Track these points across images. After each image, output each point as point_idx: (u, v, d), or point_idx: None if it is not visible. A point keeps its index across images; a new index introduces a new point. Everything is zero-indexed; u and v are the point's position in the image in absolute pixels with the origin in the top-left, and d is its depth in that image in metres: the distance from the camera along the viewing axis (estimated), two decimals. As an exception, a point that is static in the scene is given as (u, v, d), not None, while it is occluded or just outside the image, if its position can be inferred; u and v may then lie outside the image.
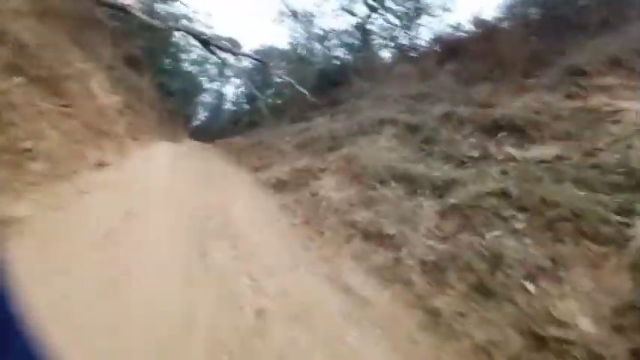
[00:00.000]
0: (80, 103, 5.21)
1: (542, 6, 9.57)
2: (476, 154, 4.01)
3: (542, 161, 3.48)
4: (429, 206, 3.09)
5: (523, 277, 2.11)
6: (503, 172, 3.36)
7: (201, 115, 21.01)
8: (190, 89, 17.00)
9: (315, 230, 3.62)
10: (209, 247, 2.86)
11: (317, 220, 3.85)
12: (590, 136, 3.91)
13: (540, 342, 1.82)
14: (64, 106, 5.02)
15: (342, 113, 8.20)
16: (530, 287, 2.05)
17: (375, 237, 2.96)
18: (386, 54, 12.50)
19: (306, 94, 10.97)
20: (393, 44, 12.31)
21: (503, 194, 2.79)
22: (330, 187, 4.56)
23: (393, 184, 3.84)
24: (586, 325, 1.86)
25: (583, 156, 3.47)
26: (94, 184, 3.63)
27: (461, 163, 3.89)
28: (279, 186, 5.60)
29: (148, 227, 2.89)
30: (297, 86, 11.52)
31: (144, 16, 11.26)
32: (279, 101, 13.53)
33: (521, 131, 4.24)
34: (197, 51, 15.34)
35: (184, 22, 13.44)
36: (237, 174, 6.77)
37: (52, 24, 6.89)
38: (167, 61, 14.10)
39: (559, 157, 3.45)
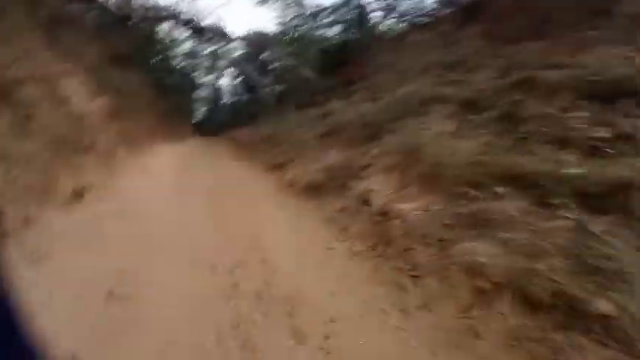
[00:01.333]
0: (45, 113, 3.68)
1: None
2: (606, 133, 2.60)
3: None
4: (617, 239, 1.70)
5: None
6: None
7: (200, 110, 19.15)
8: (185, 85, 15.18)
9: (399, 269, 2.25)
10: (257, 338, 1.50)
11: (394, 248, 2.48)
12: None
13: None
14: (27, 117, 3.50)
15: (361, 93, 6.66)
16: None
17: (539, 304, 1.60)
18: (388, 26, 10.75)
19: (312, 77, 9.35)
20: (394, 14, 10.53)
21: None
22: (390, 192, 3.16)
23: (499, 188, 2.45)
24: None
25: None
26: (59, 235, 2.20)
27: (593, 150, 2.48)
28: (312, 190, 4.19)
29: (147, 322, 1.49)
30: (299, 69, 9.89)
31: (120, 11, 9.53)
32: (280, 88, 11.85)
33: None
34: (187, 45, 13.53)
35: (167, 14, 11.60)
36: (253, 178, 5.33)
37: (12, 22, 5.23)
38: (157, 57, 12.28)
39: None
